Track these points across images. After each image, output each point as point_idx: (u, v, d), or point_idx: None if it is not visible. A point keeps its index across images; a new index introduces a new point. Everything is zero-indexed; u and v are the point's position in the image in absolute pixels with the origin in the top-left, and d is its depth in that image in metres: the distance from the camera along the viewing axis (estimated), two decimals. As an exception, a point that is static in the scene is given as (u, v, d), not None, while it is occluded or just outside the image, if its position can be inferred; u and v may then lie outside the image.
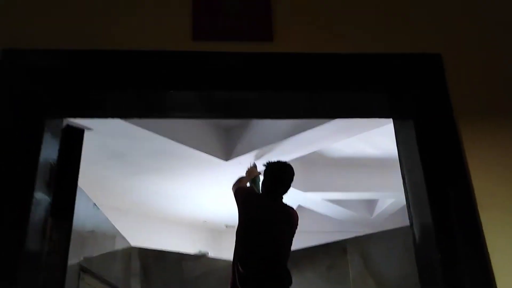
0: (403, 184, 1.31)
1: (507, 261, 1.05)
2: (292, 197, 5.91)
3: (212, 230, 7.25)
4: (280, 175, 3.34)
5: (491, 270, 1.04)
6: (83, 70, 1.23)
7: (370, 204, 6.88)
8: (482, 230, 1.07)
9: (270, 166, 3.37)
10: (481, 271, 1.05)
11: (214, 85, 1.24)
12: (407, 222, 1.40)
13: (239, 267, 3.09)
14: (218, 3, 1.29)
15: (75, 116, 1.39)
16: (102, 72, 1.24)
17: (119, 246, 3.40)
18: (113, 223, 3.44)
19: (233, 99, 1.31)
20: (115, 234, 3.32)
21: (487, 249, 1.05)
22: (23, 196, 1.14)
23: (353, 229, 6.43)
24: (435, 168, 1.16)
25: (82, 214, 2.51)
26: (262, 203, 3.31)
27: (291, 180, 3.45)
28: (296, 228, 3.40)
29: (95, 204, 2.79)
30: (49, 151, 1.27)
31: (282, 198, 3.44)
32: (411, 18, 1.39)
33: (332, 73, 1.28)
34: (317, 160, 5.72)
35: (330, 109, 1.37)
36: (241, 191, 3.43)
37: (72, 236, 2.32)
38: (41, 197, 1.25)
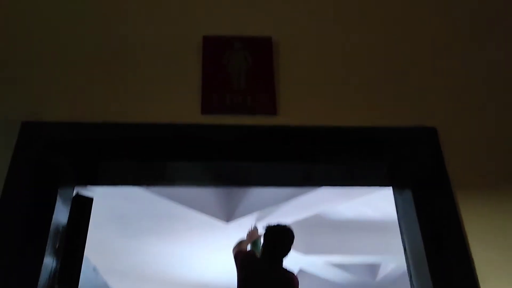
0: (404, 252, 1.33)
1: None
2: (292, 261, 5.81)
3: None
4: (281, 238, 3.35)
5: None
6: (96, 142, 1.30)
7: (373, 268, 6.75)
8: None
9: (270, 229, 3.37)
10: None
11: (221, 156, 1.30)
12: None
13: None
14: (226, 80, 1.38)
15: (86, 185, 1.44)
16: (114, 143, 1.31)
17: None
18: (112, 287, 3.37)
19: (239, 169, 1.36)
20: (114, 299, 3.26)
21: None
22: (34, 260, 1.16)
23: (356, 294, 6.28)
24: (434, 238, 1.19)
25: (82, 278, 2.49)
26: (261, 268, 3.29)
27: (291, 243, 3.44)
28: None
29: (95, 268, 2.77)
30: (60, 218, 1.31)
31: (282, 262, 3.41)
32: (408, 92, 1.48)
33: (333, 145, 1.35)
34: (318, 222, 5.69)
35: (330, 178, 1.43)
36: (240, 255, 3.42)
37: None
38: (49, 262, 1.27)
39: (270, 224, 3.42)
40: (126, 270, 5.95)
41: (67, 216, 1.37)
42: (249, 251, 3.62)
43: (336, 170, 1.40)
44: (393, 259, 6.20)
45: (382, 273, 6.68)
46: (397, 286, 6.42)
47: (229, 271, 6.01)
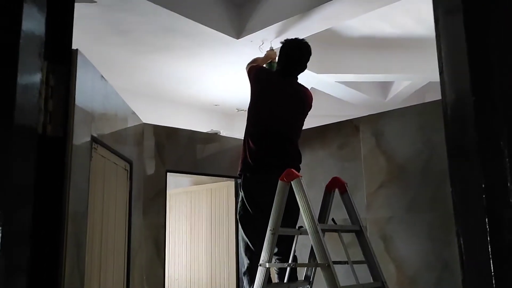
0: (436, 33, 1.13)
1: None
2: (305, 79, 5.78)
3: (224, 113, 7.27)
4: (297, 53, 3.21)
5: None
6: None
7: (385, 86, 6.74)
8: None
9: (287, 43, 3.22)
10: None
11: None
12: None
13: (250, 143, 3.09)
14: None
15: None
16: None
17: (131, 122, 3.39)
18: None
19: None
20: (126, 110, 3.29)
21: None
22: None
23: (366, 113, 6.39)
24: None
25: (89, 85, 2.44)
26: (276, 81, 3.23)
27: (308, 59, 3.30)
28: (310, 109, 3.33)
29: (102, 76, 2.71)
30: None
31: (297, 77, 3.33)
32: None
33: None
34: (332, 40, 5.47)
35: None
36: (255, 68, 3.33)
37: (81, 106, 2.27)
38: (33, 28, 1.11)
39: (287, 39, 3.27)
40: (135, 88, 6.00)
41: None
42: (263, 66, 3.54)
43: None
44: (406, 78, 6.13)
45: (394, 92, 6.69)
46: (407, 104, 6.47)
47: (240, 91, 6.07)
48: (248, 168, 3.09)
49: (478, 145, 0.96)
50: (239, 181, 4.62)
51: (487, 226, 0.89)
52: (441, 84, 1.15)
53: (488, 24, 0.99)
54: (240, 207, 3.21)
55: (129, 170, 3.17)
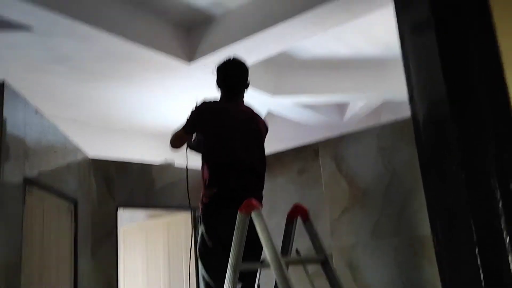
0: (401, 51, 1.01)
1: None
2: (261, 102, 5.67)
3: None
4: (237, 72, 2.98)
5: None
6: None
7: (342, 107, 6.75)
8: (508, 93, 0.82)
9: (222, 66, 2.99)
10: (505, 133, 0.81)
11: None
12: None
13: (211, 174, 2.83)
14: None
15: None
16: None
17: (74, 157, 3.13)
18: (72, 136, 3.14)
19: None
20: (68, 145, 3.03)
21: None
22: None
23: (324, 134, 6.34)
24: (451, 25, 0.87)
25: (20, 120, 2.19)
26: (223, 110, 2.94)
27: (248, 75, 3.09)
28: (267, 130, 3.17)
29: (37, 111, 2.46)
30: None
31: (243, 96, 3.10)
32: None
33: None
34: (286, 62, 5.41)
35: None
36: (192, 113, 2.90)
37: (11, 145, 2.02)
38: None
39: (219, 63, 3.04)
40: (83, 119, 5.69)
41: None
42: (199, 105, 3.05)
43: None
44: (361, 97, 6.15)
45: (350, 112, 6.70)
46: (364, 124, 6.49)
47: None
48: (210, 201, 2.84)
49: (460, 166, 0.84)
50: (197, 213, 4.41)
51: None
52: (410, 102, 1.03)
53: (462, 38, 0.89)
54: (200, 242, 2.93)
55: (73, 211, 2.90)
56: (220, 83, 2.92)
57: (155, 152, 6.05)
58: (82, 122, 5.62)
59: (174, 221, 4.92)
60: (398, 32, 1.02)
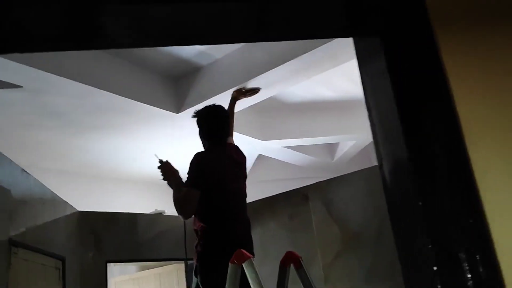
0: (369, 116, 1.06)
1: (501, 197, 0.84)
2: (251, 147, 5.71)
3: (169, 189, 6.95)
4: (219, 120, 2.97)
5: (480, 203, 0.83)
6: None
7: (331, 148, 6.79)
8: (470, 164, 0.85)
9: (202, 115, 2.94)
10: (468, 206, 0.83)
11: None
12: (369, 165, 1.23)
13: (213, 224, 2.75)
14: None
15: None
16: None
17: (61, 212, 3.10)
18: (60, 188, 3.12)
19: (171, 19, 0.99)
20: (55, 200, 3.01)
21: (476, 184, 0.84)
22: None
23: (315, 174, 6.35)
24: (409, 91, 0.91)
25: (5, 181, 2.19)
26: (216, 157, 2.94)
27: (228, 121, 3.08)
28: (245, 161, 3.10)
29: (24, 170, 2.46)
30: None
31: (226, 140, 3.09)
32: None
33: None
34: (274, 106, 5.49)
35: (283, 26, 1.07)
36: (195, 168, 2.82)
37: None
38: None
39: (197, 111, 2.96)
40: (72, 170, 5.67)
41: None
42: (196, 156, 2.98)
43: (289, 11, 1.04)
44: (349, 138, 6.21)
45: (340, 152, 6.74)
46: (355, 163, 6.51)
47: (183, 162, 5.87)
48: (210, 251, 2.72)
49: (425, 221, 0.85)
50: (189, 262, 4.33)
51: None
52: (375, 147, 1.06)
53: (416, 84, 0.93)
54: None
55: (61, 269, 2.84)
56: (205, 135, 2.89)
57: (144, 202, 6.01)
58: (72, 173, 5.59)
59: (166, 272, 4.82)
60: (360, 81, 1.08)
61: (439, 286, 0.79)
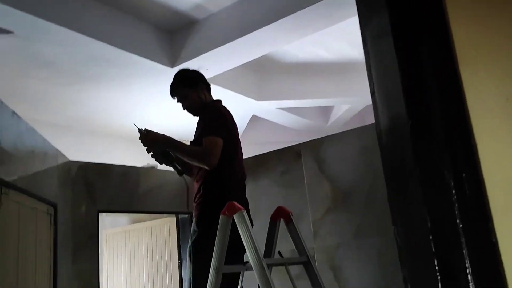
0: (368, 74, 1.02)
1: (492, 142, 0.82)
2: (246, 107, 5.67)
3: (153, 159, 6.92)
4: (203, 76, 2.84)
5: (476, 151, 0.82)
6: None
7: (325, 111, 6.78)
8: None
9: (190, 74, 2.78)
10: (465, 155, 0.82)
11: None
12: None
13: (220, 182, 2.71)
14: None
15: None
16: None
17: (53, 161, 3.09)
18: (53, 140, 3.09)
19: None
20: (47, 148, 2.99)
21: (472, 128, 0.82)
22: None
23: (308, 138, 6.35)
24: (412, 50, 0.88)
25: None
26: (227, 112, 2.81)
27: None
28: None
29: (14, 113, 2.42)
30: None
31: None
32: None
33: None
34: (269, 66, 5.43)
35: None
36: (216, 116, 2.69)
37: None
38: None
39: (182, 71, 2.78)
40: (65, 123, 5.62)
41: None
42: (214, 110, 2.91)
43: None
44: (345, 101, 6.19)
45: (334, 116, 6.74)
46: (348, 127, 6.52)
47: (177, 119, 5.82)
48: (213, 207, 2.66)
49: (418, 178, 0.84)
50: (181, 216, 4.37)
51: (438, 274, 0.75)
52: (373, 106, 1.04)
53: (420, 45, 0.90)
54: (198, 242, 2.72)
55: (52, 214, 2.86)
56: (205, 89, 2.72)
57: (136, 157, 6.00)
58: (63, 126, 5.56)
59: (157, 225, 4.88)
60: (362, 38, 1.04)
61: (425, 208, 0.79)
